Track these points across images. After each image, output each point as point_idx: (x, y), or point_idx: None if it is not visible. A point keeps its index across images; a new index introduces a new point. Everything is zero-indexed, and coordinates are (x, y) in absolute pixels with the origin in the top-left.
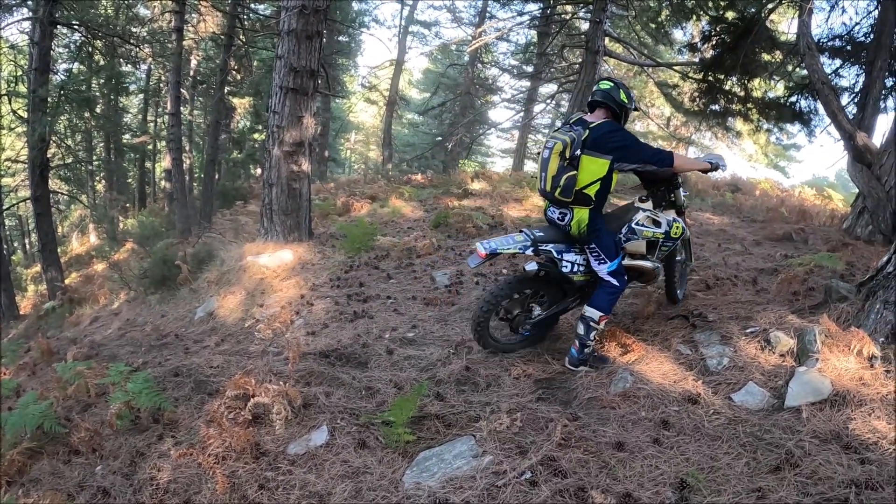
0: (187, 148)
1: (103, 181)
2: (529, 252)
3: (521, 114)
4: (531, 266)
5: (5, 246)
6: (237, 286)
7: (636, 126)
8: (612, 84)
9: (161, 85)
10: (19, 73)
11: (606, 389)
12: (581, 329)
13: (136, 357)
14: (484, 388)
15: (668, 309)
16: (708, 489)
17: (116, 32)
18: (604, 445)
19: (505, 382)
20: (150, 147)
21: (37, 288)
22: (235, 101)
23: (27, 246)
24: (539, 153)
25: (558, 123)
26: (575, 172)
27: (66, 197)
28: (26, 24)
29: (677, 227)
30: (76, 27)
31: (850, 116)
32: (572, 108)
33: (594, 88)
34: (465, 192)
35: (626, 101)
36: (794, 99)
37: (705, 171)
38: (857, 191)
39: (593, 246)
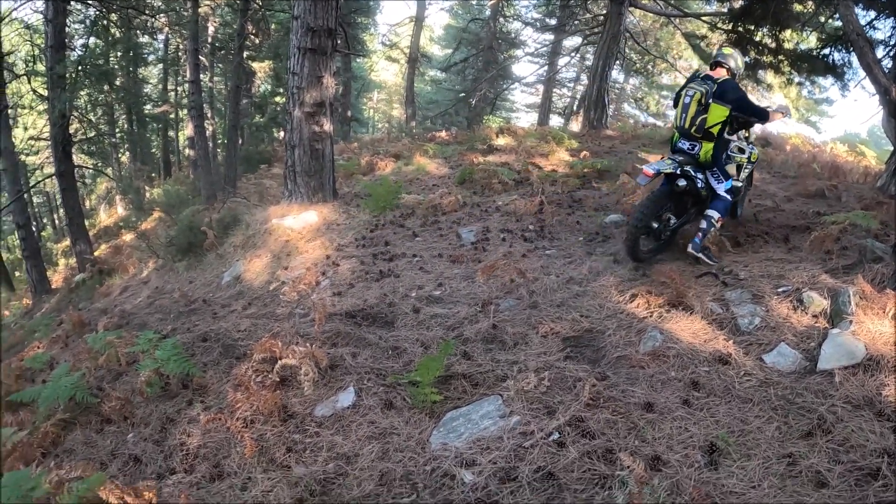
0: (209, 115)
1: (127, 153)
2: (678, 171)
3: (545, 68)
4: (682, 182)
5: (34, 222)
6: (263, 249)
7: (663, 79)
8: (732, 51)
9: (179, 53)
10: (36, 52)
11: (635, 348)
12: (704, 224)
13: (166, 324)
14: (511, 347)
15: (697, 266)
16: (738, 453)
17: (130, 4)
18: (632, 406)
19: (532, 341)
20: (171, 116)
21: (67, 262)
22: (255, 65)
23: (56, 221)
24: (679, 99)
25: (581, 77)
26: (706, 116)
27: (91, 171)
28: (40, 3)
29: (755, 154)
30: (89, 2)
31: (886, 70)
32: (598, 61)
33: (716, 51)
34: (490, 147)
35: (740, 66)
36: (826, 51)
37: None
38: (891, 148)
39: (714, 169)
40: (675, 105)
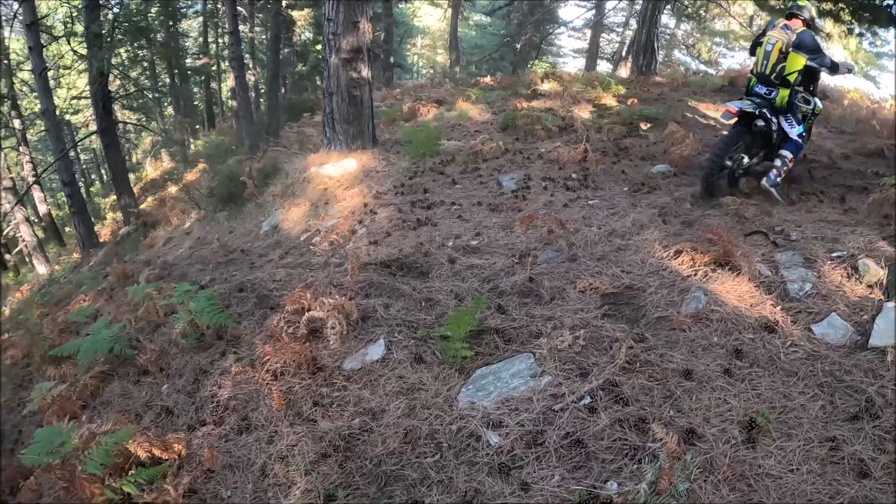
0: (251, 65)
1: (170, 106)
2: (757, 112)
3: (593, 11)
4: (760, 123)
5: (83, 178)
6: (301, 198)
7: (716, 25)
8: (806, 2)
9: (218, 5)
10: (74, 13)
11: (677, 309)
12: (778, 162)
13: (205, 274)
14: (547, 302)
15: (746, 224)
16: (778, 432)
17: None
18: (670, 372)
19: (570, 296)
20: (213, 68)
21: (114, 216)
22: (294, 13)
23: (103, 176)
24: (762, 46)
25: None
26: (784, 63)
27: (134, 126)
28: None
29: (818, 107)
30: None
31: None
32: (647, 4)
33: (791, 3)
34: (535, 93)
35: (814, 17)
36: (890, 1)
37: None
38: None
39: (788, 115)
40: (752, 53)
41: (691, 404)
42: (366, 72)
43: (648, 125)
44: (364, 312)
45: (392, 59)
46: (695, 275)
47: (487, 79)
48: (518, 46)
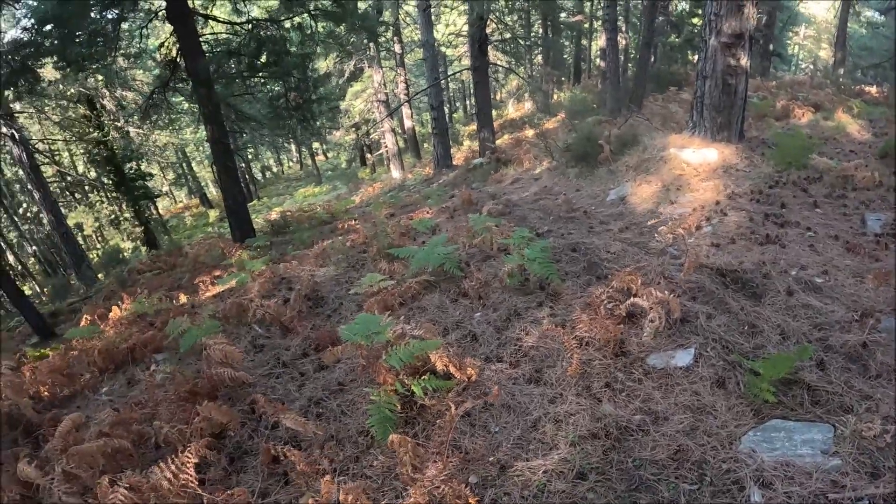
0: (623, 28)
1: (540, 56)
2: None
3: None
4: None
5: (448, 105)
6: (654, 176)
7: None
8: None
9: None
10: None
11: None
12: None
13: (544, 224)
14: (873, 377)
15: None
16: None
17: None
18: None
19: None
20: (586, 26)
21: (471, 144)
22: None
23: (467, 107)
24: None
25: None
26: None
27: (504, 68)
28: None
29: None
30: None
31: None
32: None
33: None
34: None
35: None
36: None
37: None
38: None
39: None
40: None
41: None
42: (745, 60)
43: None
44: (685, 315)
45: (771, 47)
46: None
47: (873, 89)
48: None
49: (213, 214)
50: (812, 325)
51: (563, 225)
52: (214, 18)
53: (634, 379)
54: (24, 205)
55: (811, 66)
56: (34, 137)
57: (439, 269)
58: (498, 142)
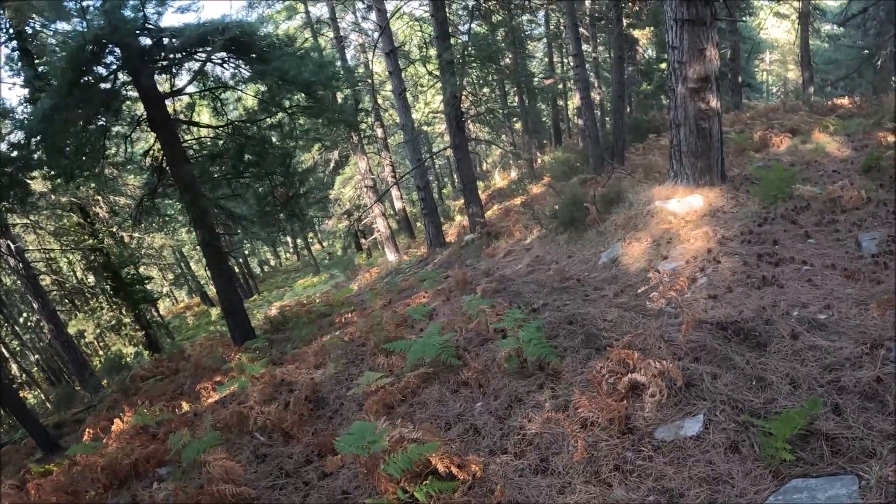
0: (596, 83)
1: (519, 122)
2: None
3: None
4: None
5: (437, 181)
6: (643, 232)
7: None
8: None
9: (561, 28)
10: (427, 39)
11: None
12: None
13: (538, 297)
14: (893, 413)
15: None
16: None
17: None
18: None
19: None
20: (559, 87)
21: (461, 218)
22: (636, 32)
23: (455, 181)
24: None
25: None
26: None
27: (485, 141)
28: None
29: None
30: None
31: None
32: None
33: None
34: None
35: None
36: None
37: None
38: None
39: None
40: None
41: None
42: (714, 101)
43: None
44: (689, 379)
45: (740, 79)
46: None
47: (845, 100)
48: (878, 62)
49: (214, 312)
50: (821, 367)
51: (558, 296)
52: (196, 124)
53: (644, 457)
54: (25, 314)
55: (782, 90)
56: (30, 247)
57: (436, 360)
58: (487, 213)
